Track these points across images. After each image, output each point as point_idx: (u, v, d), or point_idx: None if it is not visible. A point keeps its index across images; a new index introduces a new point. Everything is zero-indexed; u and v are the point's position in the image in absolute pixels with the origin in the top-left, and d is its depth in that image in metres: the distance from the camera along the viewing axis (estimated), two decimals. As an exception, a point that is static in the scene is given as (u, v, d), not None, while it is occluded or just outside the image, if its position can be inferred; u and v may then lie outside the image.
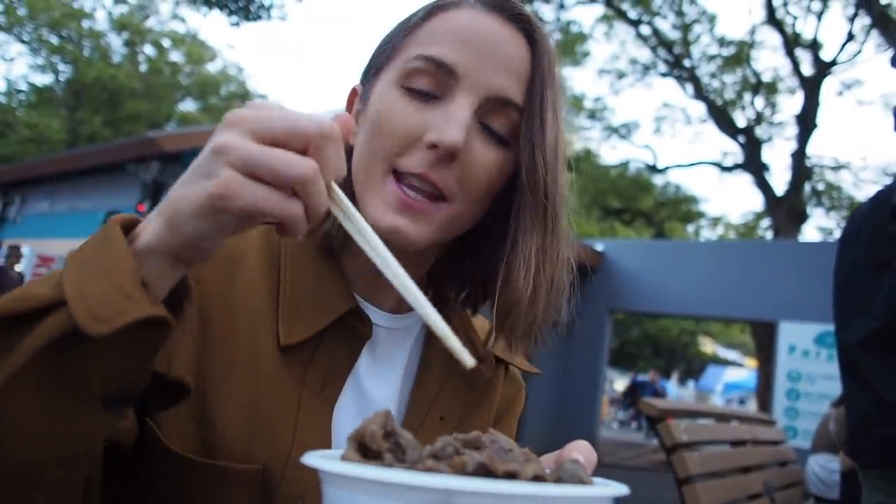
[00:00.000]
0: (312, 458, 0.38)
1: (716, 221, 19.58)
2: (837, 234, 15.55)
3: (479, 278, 0.77)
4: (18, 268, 8.50)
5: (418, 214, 0.65)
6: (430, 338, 0.78)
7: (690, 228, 20.17)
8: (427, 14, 0.70)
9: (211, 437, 0.61)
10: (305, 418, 0.66)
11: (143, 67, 23.43)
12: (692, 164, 16.82)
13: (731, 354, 26.20)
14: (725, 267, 9.85)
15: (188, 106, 25.53)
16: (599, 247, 10.79)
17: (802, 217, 12.15)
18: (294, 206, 0.44)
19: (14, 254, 8.38)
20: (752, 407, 17.44)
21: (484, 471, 0.37)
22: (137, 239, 0.46)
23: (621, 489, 0.40)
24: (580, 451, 0.49)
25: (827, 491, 3.83)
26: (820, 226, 16.82)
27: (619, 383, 25.06)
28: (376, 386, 0.73)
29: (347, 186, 0.72)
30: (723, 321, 16.75)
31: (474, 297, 0.79)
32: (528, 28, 0.69)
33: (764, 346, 10.57)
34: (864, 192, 14.54)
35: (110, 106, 21.68)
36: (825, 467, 3.87)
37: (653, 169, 16.93)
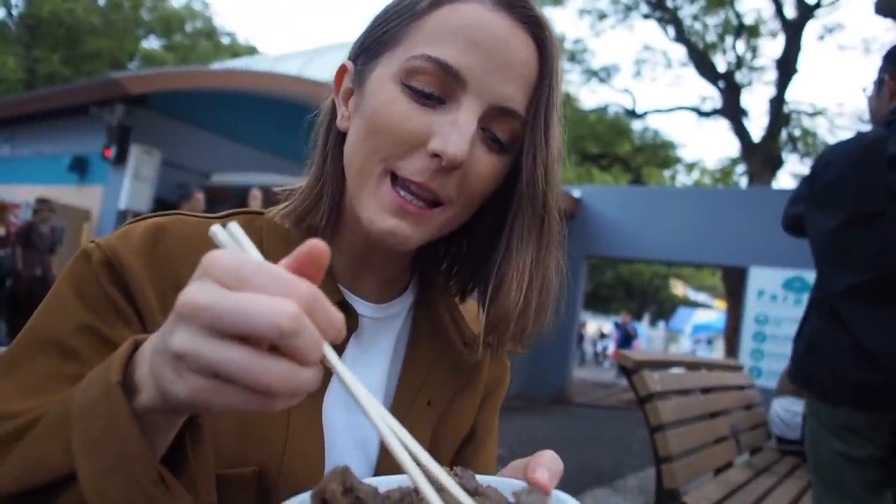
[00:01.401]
0: None
1: (691, 167, 19.69)
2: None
3: (467, 267, 0.77)
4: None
5: (416, 218, 0.64)
6: (416, 324, 0.77)
7: (667, 174, 20.27)
8: (433, 3, 0.65)
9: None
10: (296, 415, 0.65)
11: (101, 1, 22.30)
12: (671, 110, 16.78)
13: (700, 297, 26.87)
14: (699, 213, 9.96)
15: (151, 43, 24.49)
16: (576, 193, 10.81)
17: (777, 163, 12.25)
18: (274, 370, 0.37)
19: (44, 208, 8.04)
20: (719, 347, 18.03)
21: None
22: (138, 396, 0.44)
23: None
24: (546, 465, 0.49)
25: (789, 432, 3.99)
26: (794, 172, 17.03)
27: (591, 325, 25.62)
28: (364, 375, 0.72)
29: (339, 174, 0.70)
30: (695, 266, 17.08)
31: (462, 283, 0.78)
32: (538, 32, 0.65)
33: (734, 290, 10.82)
34: (839, 138, 14.71)
35: (68, 43, 20.70)
36: (788, 410, 4.02)
37: (631, 114, 16.84)
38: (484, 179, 0.65)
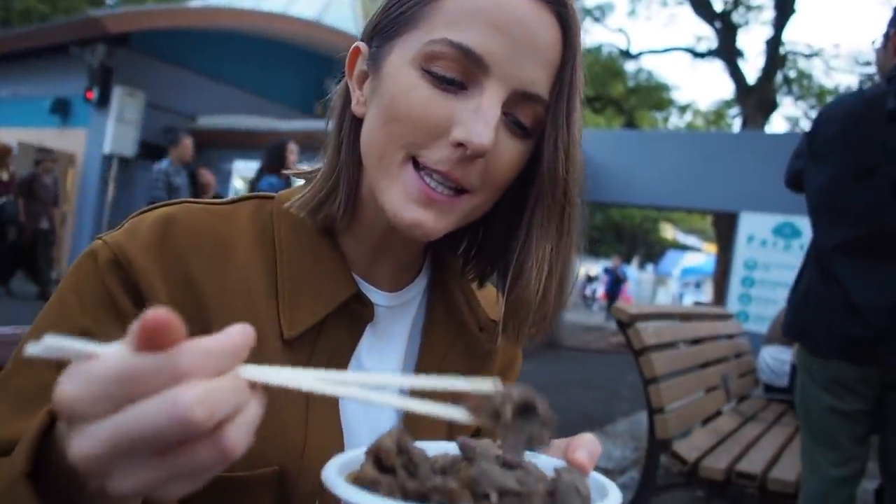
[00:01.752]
0: (330, 472, 0.41)
1: (684, 109, 19.47)
2: (804, 123, 15.70)
3: (485, 252, 0.76)
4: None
5: (441, 207, 0.62)
6: (431, 308, 0.76)
7: (660, 116, 20.04)
8: None
9: None
10: (314, 411, 0.64)
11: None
12: (666, 50, 16.44)
13: (690, 240, 27.08)
14: (691, 158, 9.91)
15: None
16: (569, 137, 10.69)
17: (772, 106, 12.13)
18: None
19: (47, 158, 7.80)
20: (707, 290, 18.29)
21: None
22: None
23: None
24: (585, 447, 0.50)
25: (776, 379, 4.09)
26: (787, 115, 16.88)
27: (580, 269, 25.77)
28: (379, 365, 0.72)
29: (356, 161, 0.67)
30: (687, 211, 17.15)
31: (480, 268, 0.77)
32: (562, 12, 0.62)
33: (724, 235, 10.89)
34: (834, 81, 14.53)
35: (44, -23, 19.81)
36: (777, 358, 4.11)
37: (626, 54, 16.50)
38: (508, 166, 0.64)
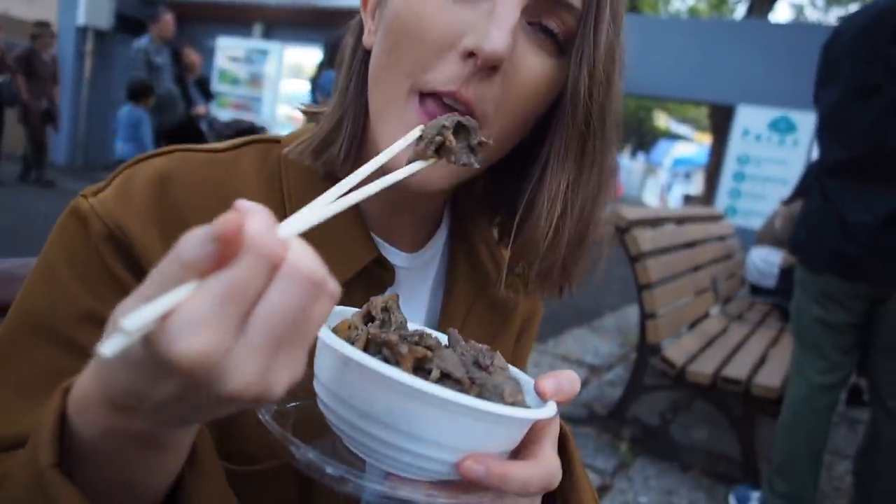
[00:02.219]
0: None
1: (689, -11, 18.50)
2: (809, 12, 15.03)
3: (499, 190, 0.69)
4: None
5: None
6: (453, 261, 0.72)
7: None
8: None
9: (233, 437, 0.57)
10: None
11: None
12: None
13: (682, 129, 26.72)
14: (692, 46, 9.55)
15: None
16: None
17: (781, -9, 11.56)
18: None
19: (45, 33, 7.18)
20: (697, 180, 18.30)
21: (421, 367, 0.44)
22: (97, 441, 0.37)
23: (531, 413, 0.44)
24: (556, 377, 0.48)
25: (763, 280, 4.19)
26: (793, 2, 16.11)
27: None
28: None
29: (363, 99, 0.61)
30: (685, 102, 16.78)
31: (493, 208, 0.71)
32: None
33: (719, 127, 10.73)
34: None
35: None
36: (766, 260, 4.19)
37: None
38: (530, 84, 0.55)
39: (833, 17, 15.02)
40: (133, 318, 0.28)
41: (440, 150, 0.49)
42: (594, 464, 2.71)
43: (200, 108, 6.56)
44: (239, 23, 9.86)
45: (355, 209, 0.63)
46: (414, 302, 0.70)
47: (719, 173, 9.62)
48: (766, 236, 4.32)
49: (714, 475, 2.79)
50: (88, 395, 0.36)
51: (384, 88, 0.56)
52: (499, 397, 0.44)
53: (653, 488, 2.62)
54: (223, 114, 8.58)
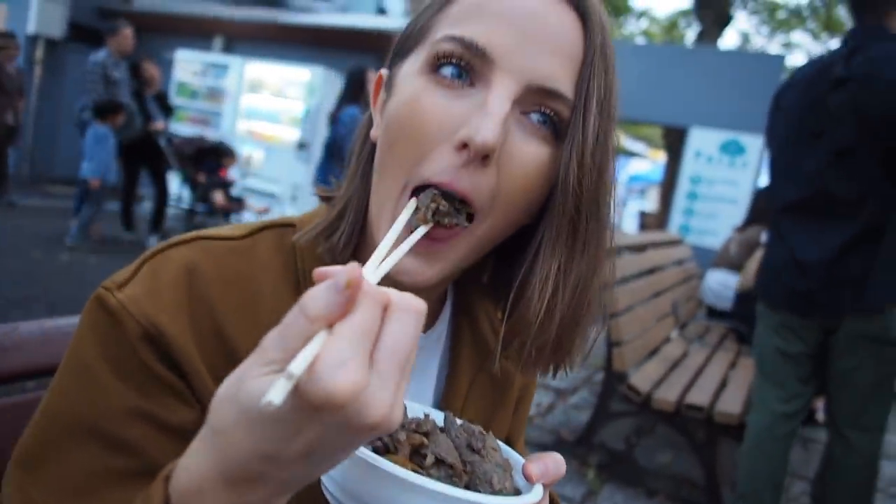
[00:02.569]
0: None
1: (641, 15, 19.07)
2: (755, 40, 15.68)
3: (507, 286, 0.69)
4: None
5: (433, 250, 0.56)
6: (455, 343, 0.74)
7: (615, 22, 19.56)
8: None
9: None
10: None
11: None
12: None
13: (637, 146, 27.44)
14: (646, 70, 9.84)
15: None
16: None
17: (727, 20, 12.02)
18: None
19: (10, 44, 6.76)
20: (652, 197, 18.76)
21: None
22: None
23: (517, 501, 0.46)
24: (543, 460, 0.51)
25: (719, 303, 4.34)
26: (741, 29, 16.76)
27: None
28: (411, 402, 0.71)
29: (366, 189, 0.63)
30: (641, 124, 17.23)
31: (496, 288, 0.71)
32: (579, 3, 0.57)
33: (673, 147, 11.06)
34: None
35: None
36: (722, 284, 4.34)
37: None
38: (525, 172, 0.55)
39: (776, 43, 15.68)
40: (296, 364, 0.32)
41: (436, 215, 0.54)
42: (563, 492, 2.75)
43: (159, 124, 6.42)
44: (198, 36, 9.72)
45: None
46: (424, 380, 0.72)
47: (673, 192, 9.91)
48: (722, 261, 4.48)
49: (679, 500, 2.86)
50: (203, 477, 0.38)
51: (384, 183, 0.58)
52: (488, 484, 0.48)
53: (619, 513, 2.67)
54: (181, 128, 8.41)
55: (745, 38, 16.10)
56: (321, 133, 8.01)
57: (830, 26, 13.96)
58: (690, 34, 16.07)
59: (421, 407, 0.56)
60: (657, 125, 12.94)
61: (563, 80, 0.55)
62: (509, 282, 0.63)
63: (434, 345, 0.73)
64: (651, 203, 17.67)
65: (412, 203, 0.54)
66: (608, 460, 3.08)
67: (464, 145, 0.53)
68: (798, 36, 15.48)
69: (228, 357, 0.56)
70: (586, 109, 0.56)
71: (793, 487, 3.11)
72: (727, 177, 9.29)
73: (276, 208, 7.88)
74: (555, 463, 0.51)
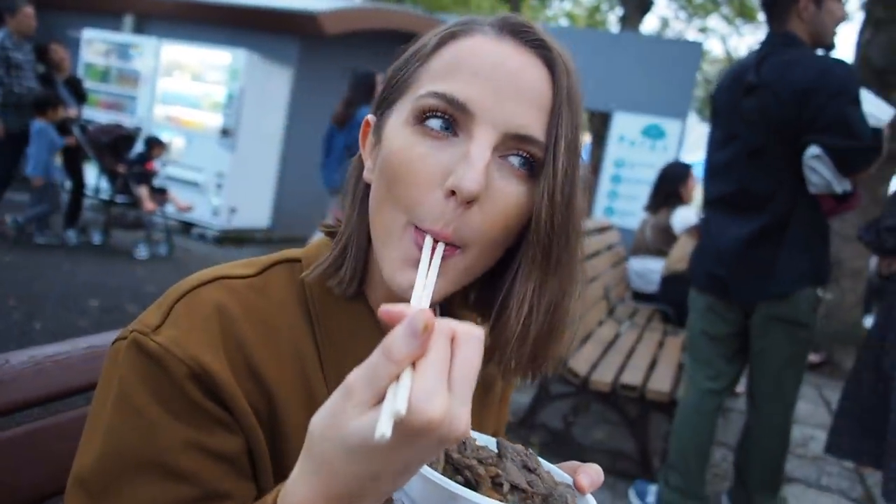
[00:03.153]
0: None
1: (565, -4, 19.43)
2: (674, 23, 16.30)
3: (480, 289, 0.76)
4: None
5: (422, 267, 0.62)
6: None
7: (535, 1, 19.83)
8: (438, 43, 0.64)
9: None
10: None
11: None
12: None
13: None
14: (573, 56, 10.08)
15: None
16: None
17: (648, 6, 12.45)
18: None
19: None
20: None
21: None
22: None
23: None
24: (589, 474, 0.59)
25: (645, 287, 4.57)
26: (660, 14, 17.38)
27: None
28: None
29: (364, 227, 0.68)
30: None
31: (478, 305, 0.77)
32: (546, 53, 0.63)
33: (598, 132, 11.41)
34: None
35: None
36: (645, 268, 4.57)
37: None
38: (504, 210, 0.62)
39: (693, 28, 16.38)
40: (399, 402, 0.38)
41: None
42: (509, 472, 2.86)
43: (72, 111, 6.06)
44: (107, 14, 9.18)
45: (372, 316, 0.70)
46: None
47: (599, 175, 10.25)
48: (640, 247, 4.70)
49: (615, 472, 3.04)
50: (310, 500, 0.46)
51: (385, 219, 0.63)
52: (563, 503, 0.53)
53: (562, 491, 2.81)
54: (94, 114, 7.96)
55: (665, 22, 16.71)
56: (246, 119, 7.80)
57: (744, 13, 14.67)
58: (612, 18, 16.53)
59: (474, 434, 0.60)
60: (583, 111, 13.29)
61: (535, 127, 0.61)
62: (491, 302, 0.69)
63: None
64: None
65: (429, 240, 0.60)
66: (549, 439, 3.22)
67: (452, 192, 0.59)
68: (713, 21, 16.20)
69: (259, 387, 0.62)
70: (556, 150, 0.61)
71: (713, 454, 3.35)
72: (648, 160, 9.68)
73: (200, 198, 7.63)
74: (597, 474, 0.60)
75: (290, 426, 0.63)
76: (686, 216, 4.39)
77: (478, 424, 0.81)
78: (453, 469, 0.53)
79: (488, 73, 0.60)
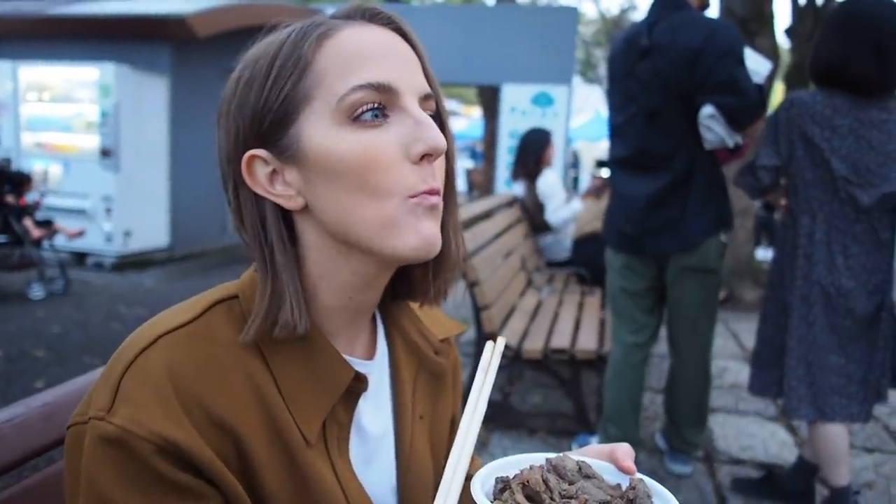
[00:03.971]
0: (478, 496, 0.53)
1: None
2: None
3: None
4: None
5: (438, 211, 0.68)
6: (392, 348, 0.81)
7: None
8: (313, 47, 0.64)
9: None
10: (347, 487, 0.70)
11: None
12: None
13: (451, 105, 28.31)
14: (452, 32, 10.15)
15: None
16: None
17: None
18: None
19: None
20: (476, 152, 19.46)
21: None
22: None
23: None
24: (629, 456, 0.64)
25: (557, 255, 4.74)
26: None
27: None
28: (373, 421, 0.77)
29: (291, 256, 0.67)
30: (455, 86, 17.73)
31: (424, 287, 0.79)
32: (398, 26, 0.70)
33: (489, 105, 11.60)
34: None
35: None
36: (549, 242, 4.74)
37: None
38: (453, 155, 0.72)
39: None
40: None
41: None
42: (458, 452, 2.94)
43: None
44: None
45: (324, 338, 0.70)
46: (378, 394, 0.79)
47: (495, 149, 10.45)
48: (535, 225, 4.80)
49: (556, 432, 3.18)
50: None
51: (374, 213, 0.63)
52: (647, 499, 0.57)
53: (511, 460, 2.92)
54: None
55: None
56: (125, 136, 7.35)
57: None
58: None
59: (529, 457, 0.61)
60: (470, 86, 13.48)
61: (426, 83, 0.69)
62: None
63: (381, 366, 0.80)
64: (475, 162, 18.33)
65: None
66: (490, 411, 3.32)
67: (422, 157, 0.63)
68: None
69: (223, 435, 0.61)
70: (439, 99, 0.71)
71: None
72: (541, 127, 10.01)
73: (90, 226, 7.16)
74: (629, 450, 0.64)
75: (260, 460, 0.63)
76: (549, 180, 4.58)
77: (436, 414, 0.86)
78: None
79: (384, 53, 0.64)
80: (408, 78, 0.65)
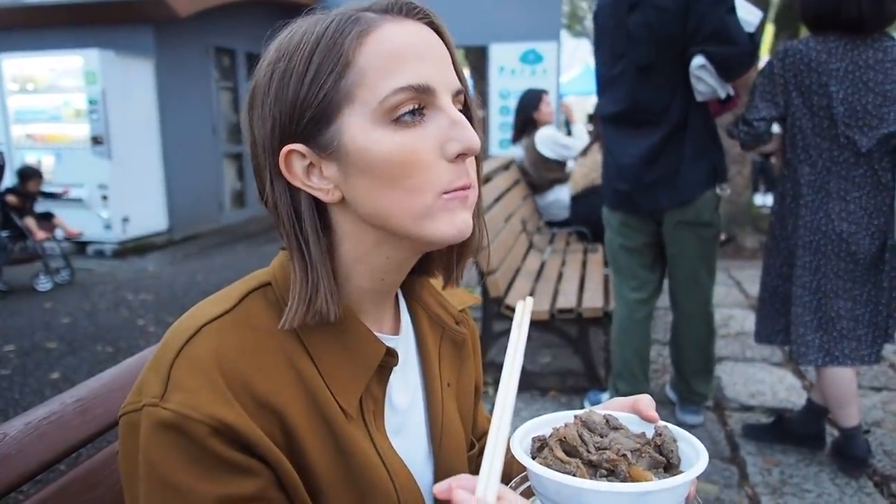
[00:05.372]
0: (523, 456, 0.60)
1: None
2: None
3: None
4: None
5: (470, 203, 0.70)
6: (417, 322, 0.85)
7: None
8: (353, 45, 0.64)
9: None
10: (386, 458, 0.74)
11: None
12: None
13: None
14: (438, -6, 9.97)
15: None
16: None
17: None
18: None
19: None
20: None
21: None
22: None
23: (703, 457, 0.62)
24: (652, 405, 0.69)
25: (557, 215, 4.73)
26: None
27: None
28: (401, 393, 0.81)
29: (323, 246, 0.68)
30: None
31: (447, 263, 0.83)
32: (431, 20, 0.70)
33: (477, 67, 11.46)
34: None
35: None
36: (548, 201, 4.73)
37: None
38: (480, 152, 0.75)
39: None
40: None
41: None
42: (472, 416, 3.00)
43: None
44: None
45: (355, 317, 0.73)
46: (407, 367, 0.82)
47: (487, 110, 10.35)
48: (532, 184, 4.80)
49: (566, 390, 3.25)
50: None
51: (411, 205, 0.66)
52: (674, 443, 0.62)
53: (525, 418, 2.95)
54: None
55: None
56: (115, 122, 7.29)
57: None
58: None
59: (558, 416, 0.68)
60: (459, 48, 13.29)
61: (457, 79, 0.70)
62: None
63: (407, 339, 0.83)
64: (466, 122, 18.15)
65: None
66: (500, 375, 3.38)
67: (457, 156, 0.66)
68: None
69: (271, 417, 0.65)
70: (467, 92, 0.72)
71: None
72: (531, 85, 9.83)
73: (87, 215, 7.15)
74: (651, 402, 0.70)
75: (304, 437, 0.67)
76: (546, 135, 4.58)
77: (461, 381, 0.90)
78: (592, 469, 0.59)
79: (420, 52, 0.65)
80: (443, 76, 0.66)
